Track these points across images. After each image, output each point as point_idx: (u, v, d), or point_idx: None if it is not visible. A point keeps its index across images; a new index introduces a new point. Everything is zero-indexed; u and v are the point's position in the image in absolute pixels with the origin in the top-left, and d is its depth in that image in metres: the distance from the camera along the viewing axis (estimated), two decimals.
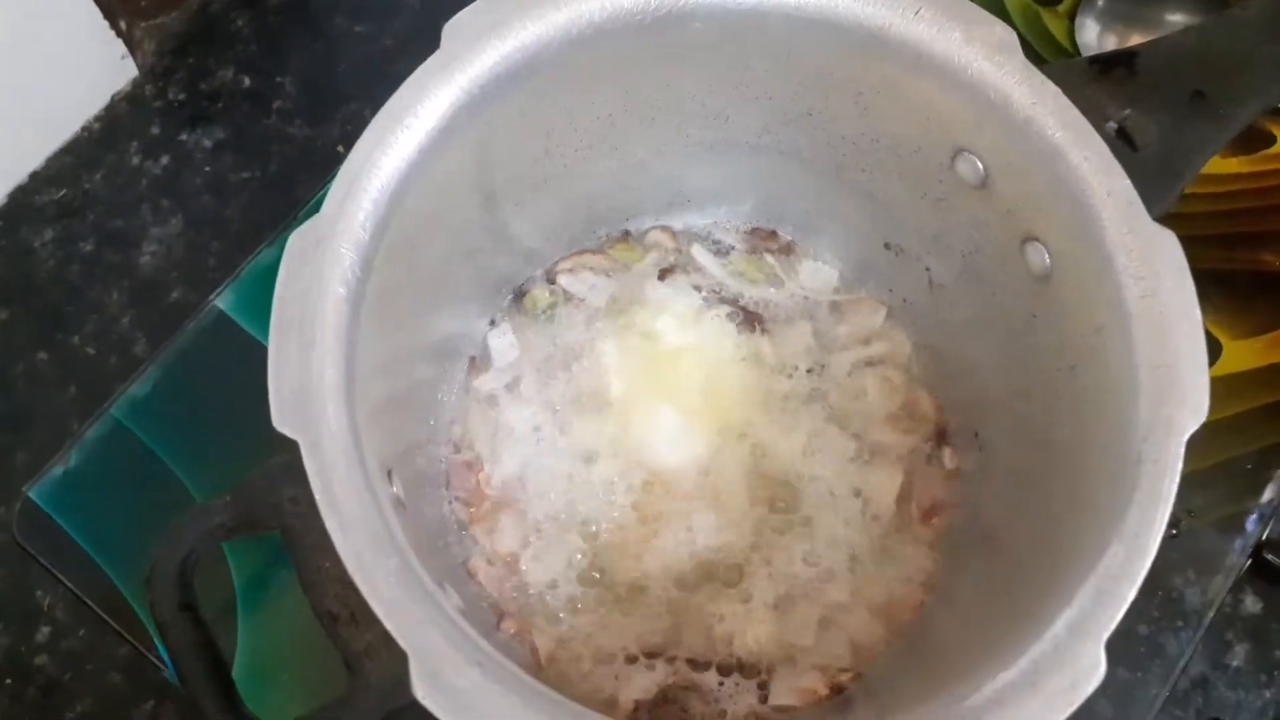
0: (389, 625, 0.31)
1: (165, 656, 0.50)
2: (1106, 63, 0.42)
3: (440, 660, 0.31)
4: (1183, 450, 0.35)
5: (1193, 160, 0.40)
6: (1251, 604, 0.54)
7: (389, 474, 0.37)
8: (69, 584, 0.52)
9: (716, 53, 0.43)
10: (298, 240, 0.34)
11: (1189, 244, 0.57)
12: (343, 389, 0.33)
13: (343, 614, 0.34)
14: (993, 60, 0.39)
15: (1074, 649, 0.34)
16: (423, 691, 0.31)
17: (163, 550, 0.36)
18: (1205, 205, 0.58)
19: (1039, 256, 0.41)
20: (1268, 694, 0.53)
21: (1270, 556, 0.53)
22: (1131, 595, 0.34)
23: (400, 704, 0.34)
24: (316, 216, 0.35)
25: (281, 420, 0.32)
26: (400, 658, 0.31)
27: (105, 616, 0.51)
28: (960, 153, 0.42)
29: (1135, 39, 0.60)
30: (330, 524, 0.32)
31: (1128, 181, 0.38)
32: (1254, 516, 0.53)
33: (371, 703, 0.34)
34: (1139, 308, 0.37)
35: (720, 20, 0.41)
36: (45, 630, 0.53)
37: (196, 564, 0.36)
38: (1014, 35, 0.40)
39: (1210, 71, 0.42)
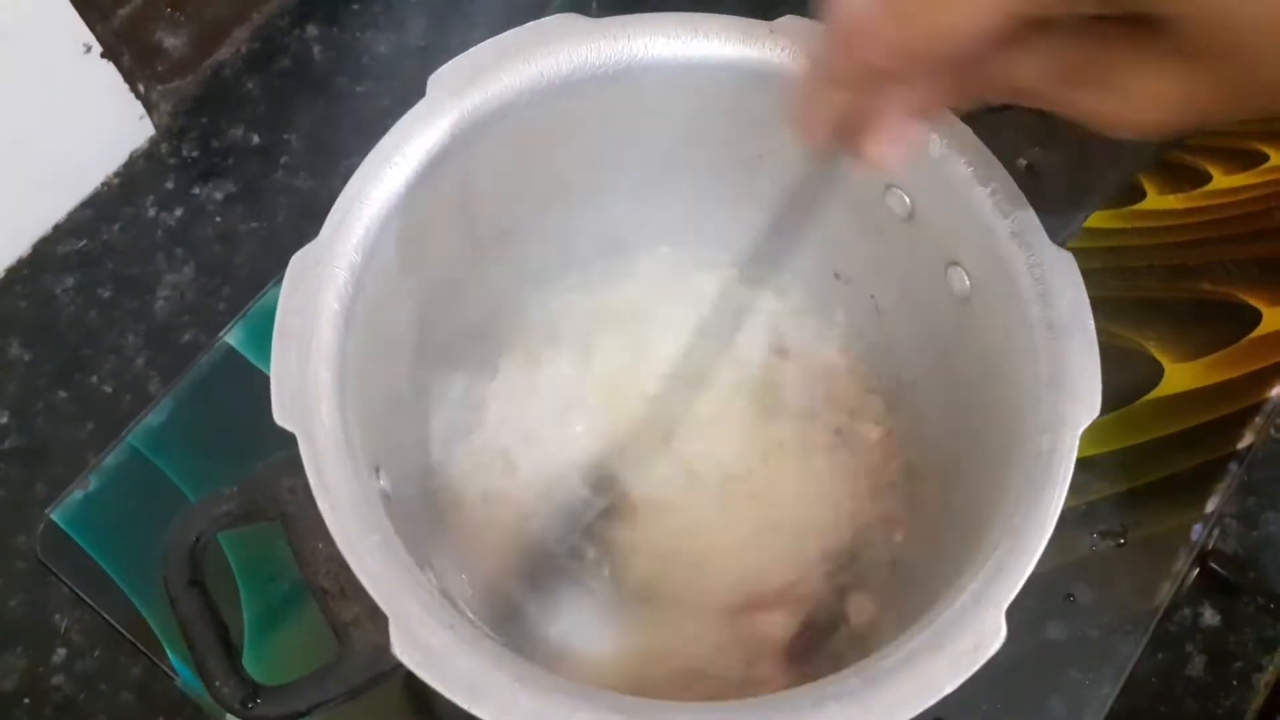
0: (371, 591, 0.38)
1: (175, 663, 0.57)
2: (1019, 108, 0.50)
3: (416, 623, 0.37)
4: (1077, 441, 0.42)
5: (1095, 191, 0.48)
6: (1210, 617, 0.59)
7: (377, 469, 0.44)
8: (87, 599, 0.58)
9: (675, 101, 0.51)
10: (298, 260, 0.42)
11: (1134, 275, 0.65)
12: (335, 390, 0.40)
13: (333, 589, 0.41)
14: None
15: (977, 615, 0.39)
16: (400, 649, 0.37)
17: (175, 533, 0.43)
18: (1148, 239, 0.65)
19: (960, 279, 0.48)
20: (1228, 703, 0.58)
21: (1215, 566, 0.59)
22: (1029, 568, 0.40)
23: (383, 668, 0.41)
24: (314, 240, 0.42)
25: (281, 416, 0.39)
26: (383, 628, 0.37)
27: (121, 630, 0.57)
28: (889, 188, 0.50)
29: None
30: (322, 505, 0.39)
31: (1030, 210, 0.45)
32: (1198, 527, 0.59)
33: (358, 666, 0.41)
34: (1041, 320, 0.44)
35: (676, 72, 0.49)
36: (61, 652, 0.59)
37: (205, 547, 0.43)
38: None
39: None
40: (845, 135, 0.38)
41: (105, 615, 0.58)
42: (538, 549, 0.55)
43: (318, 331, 0.41)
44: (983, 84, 0.36)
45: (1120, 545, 0.59)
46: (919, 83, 0.36)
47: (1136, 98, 0.33)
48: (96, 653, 0.59)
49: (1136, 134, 0.34)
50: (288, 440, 0.41)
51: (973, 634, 0.39)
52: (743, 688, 0.52)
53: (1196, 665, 0.59)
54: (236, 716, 0.41)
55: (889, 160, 0.37)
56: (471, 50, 0.47)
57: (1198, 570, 0.59)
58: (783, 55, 0.48)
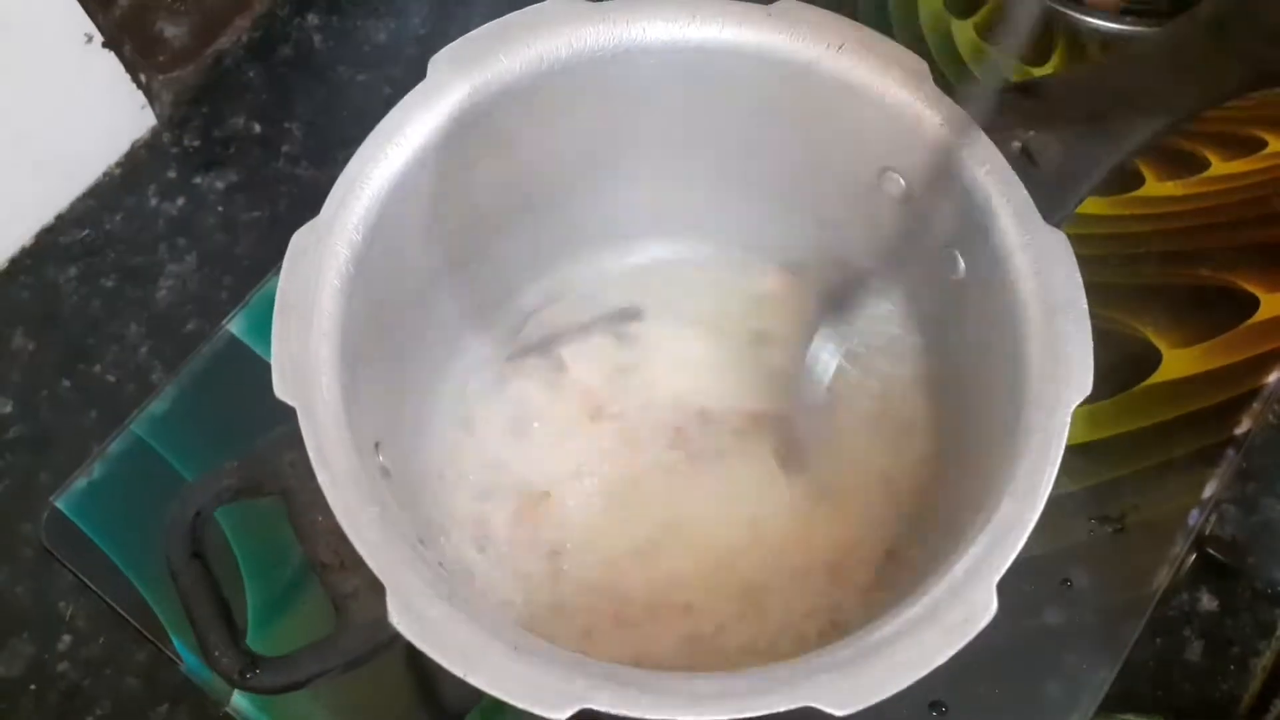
0: (370, 563, 0.39)
1: (180, 648, 0.58)
2: (1013, 91, 0.51)
3: (414, 594, 0.39)
4: (1069, 420, 0.43)
5: (1089, 174, 0.48)
6: (1207, 602, 0.60)
7: (376, 445, 0.45)
8: (92, 586, 0.59)
9: (673, 87, 0.52)
10: (299, 238, 0.43)
11: (1132, 261, 0.66)
12: (335, 366, 0.42)
13: (333, 562, 0.42)
14: (906, 87, 0.48)
15: (969, 588, 0.40)
16: (398, 619, 0.38)
17: (176, 508, 0.44)
18: (1146, 225, 0.66)
19: (954, 261, 0.49)
20: (1225, 688, 0.59)
21: (1213, 552, 0.60)
22: (1020, 543, 0.41)
23: (381, 639, 0.42)
24: (316, 219, 0.44)
25: (282, 390, 0.41)
26: (381, 599, 0.38)
27: (126, 615, 0.58)
28: (885, 172, 0.51)
29: None
30: (322, 478, 0.40)
31: (1024, 191, 0.46)
32: (1195, 512, 0.60)
33: (357, 638, 0.42)
34: (1034, 300, 0.45)
35: (674, 56, 0.50)
36: (67, 639, 0.60)
37: (207, 521, 0.44)
38: (925, 65, 0.48)
39: (1106, 100, 0.50)
40: None
41: (110, 601, 0.59)
42: None
43: (318, 308, 0.43)
44: None
45: (1118, 530, 0.60)
46: None
47: None
48: (101, 639, 0.60)
49: None
50: (289, 423, 0.42)
51: (964, 607, 0.40)
52: None
53: (1194, 650, 0.59)
54: (235, 687, 0.42)
55: None
56: (472, 33, 0.48)
57: (1195, 555, 0.60)
58: (781, 39, 0.49)
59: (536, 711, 0.37)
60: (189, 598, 0.43)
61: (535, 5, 0.49)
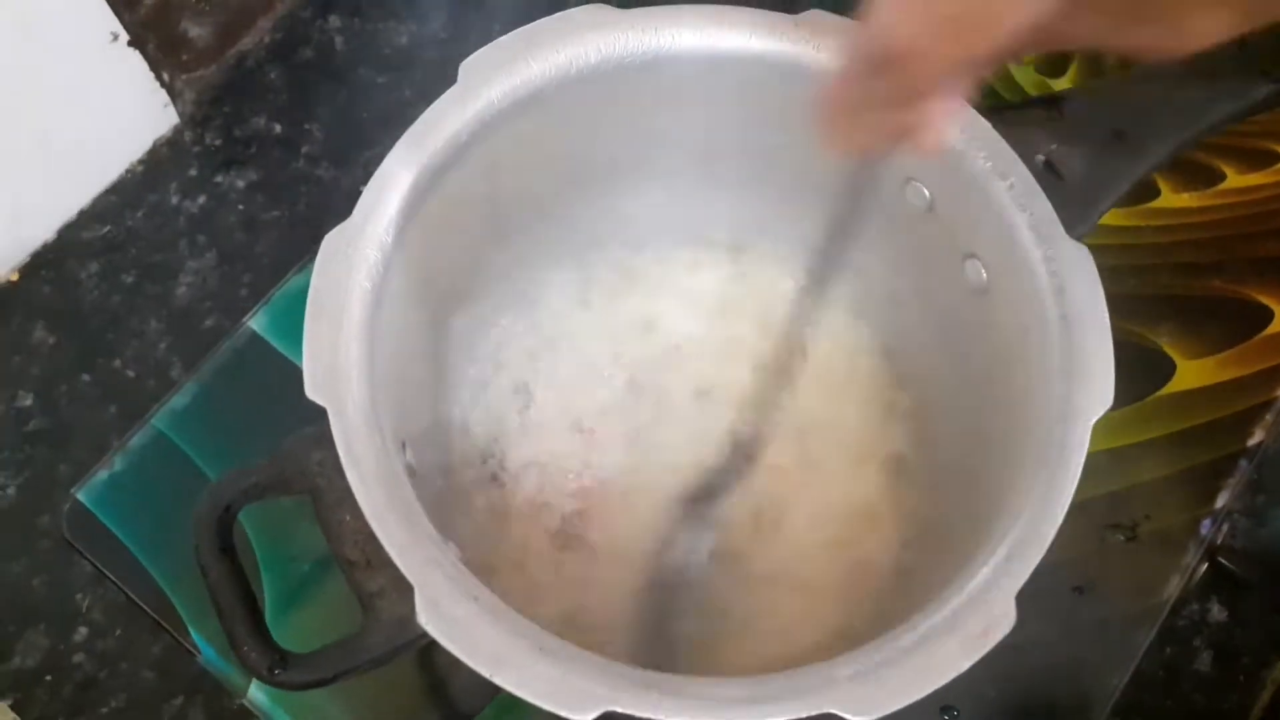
0: (398, 562, 0.39)
1: (198, 639, 0.58)
2: (1037, 104, 0.51)
3: (440, 593, 0.39)
4: (1089, 433, 0.43)
5: (1111, 187, 0.49)
6: (1218, 612, 0.60)
7: (403, 445, 0.45)
8: (112, 578, 0.59)
9: (700, 93, 0.52)
10: (331, 240, 0.43)
11: (1147, 272, 0.66)
12: (365, 367, 0.42)
13: (359, 560, 0.43)
14: None
15: (988, 600, 0.41)
16: (425, 618, 0.38)
17: (205, 504, 0.44)
18: (1162, 237, 0.67)
19: (977, 272, 0.50)
20: (1234, 698, 0.60)
21: (1224, 561, 0.60)
22: (1040, 556, 0.41)
23: (408, 638, 0.42)
24: (347, 221, 0.44)
25: (313, 390, 0.41)
26: (407, 599, 0.39)
27: (145, 607, 0.59)
28: (909, 181, 0.51)
29: None
30: (351, 477, 0.40)
31: (1048, 204, 0.46)
32: (1208, 522, 0.61)
33: (383, 636, 0.42)
34: (1056, 312, 0.45)
35: (701, 64, 0.50)
36: (83, 631, 0.60)
37: (235, 516, 0.45)
38: None
39: (1128, 114, 0.50)
40: (889, 137, 0.38)
41: (129, 593, 0.59)
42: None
43: (349, 310, 0.43)
44: (1037, 45, 0.37)
45: (1130, 539, 0.60)
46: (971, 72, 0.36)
47: (1189, 30, 0.35)
48: (118, 631, 0.60)
49: (1179, 56, 0.36)
50: (310, 422, 0.42)
51: (983, 618, 0.41)
52: None
53: (1204, 660, 0.60)
54: (264, 683, 0.42)
55: (945, 141, 0.38)
56: (502, 39, 0.49)
57: (1206, 566, 0.60)
58: (807, 49, 0.49)
59: (561, 713, 0.38)
60: (218, 592, 0.43)
61: (564, 12, 0.49)
